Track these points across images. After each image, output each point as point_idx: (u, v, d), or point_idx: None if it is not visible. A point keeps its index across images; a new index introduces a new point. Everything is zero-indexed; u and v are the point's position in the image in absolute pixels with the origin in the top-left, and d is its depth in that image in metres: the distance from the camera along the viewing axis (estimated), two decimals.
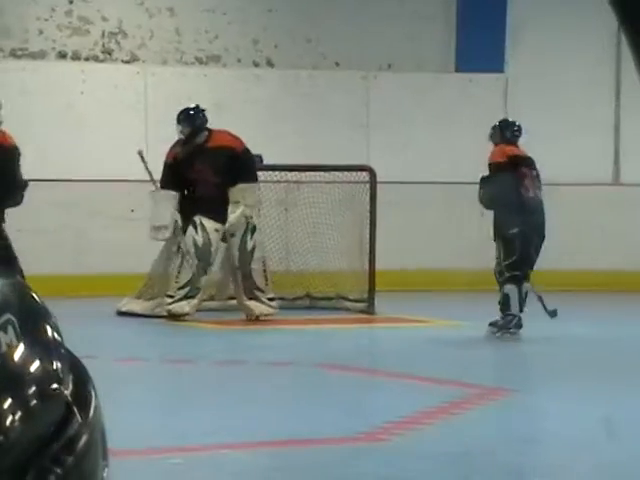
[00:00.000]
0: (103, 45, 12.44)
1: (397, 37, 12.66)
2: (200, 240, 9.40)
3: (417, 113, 12.31)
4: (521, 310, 8.76)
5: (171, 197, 9.55)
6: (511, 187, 8.73)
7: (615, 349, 8.85)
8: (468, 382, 7.38)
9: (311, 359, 8.31)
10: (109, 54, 12.47)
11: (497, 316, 8.89)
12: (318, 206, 10.67)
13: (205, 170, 9.42)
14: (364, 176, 10.54)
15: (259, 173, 10.03)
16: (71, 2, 12.35)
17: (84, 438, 0.97)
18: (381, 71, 12.58)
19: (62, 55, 12.36)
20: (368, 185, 10.44)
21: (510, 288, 8.73)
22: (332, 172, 10.74)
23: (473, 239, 11.28)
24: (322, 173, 10.80)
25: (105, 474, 1.04)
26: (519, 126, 9.23)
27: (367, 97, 12.48)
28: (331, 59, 12.83)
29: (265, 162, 10.48)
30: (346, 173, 10.67)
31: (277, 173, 10.73)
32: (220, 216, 9.42)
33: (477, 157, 12.00)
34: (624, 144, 12.95)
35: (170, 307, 9.49)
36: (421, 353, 8.79)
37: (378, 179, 10.41)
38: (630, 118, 12.77)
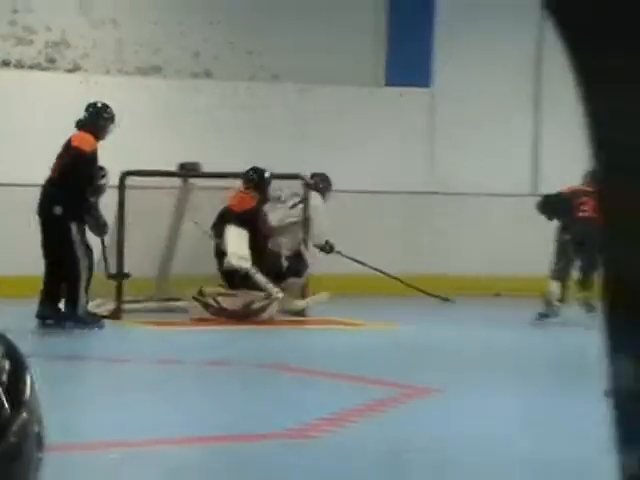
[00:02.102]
0: (47, 54, 12.43)
1: (333, 50, 12.78)
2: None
3: (350, 126, 12.47)
4: None
5: None
6: None
7: (536, 352, 9.09)
8: (398, 382, 7.52)
9: (245, 358, 8.44)
10: (52, 63, 12.46)
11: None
12: None
13: None
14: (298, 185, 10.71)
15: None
16: (15, 12, 12.33)
17: (15, 427, 0.97)
18: (317, 84, 12.69)
19: (6, 64, 12.34)
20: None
21: None
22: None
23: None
24: None
25: (39, 465, 1.05)
26: None
27: (303, 109, 12.61)
28: (269, 71, 12.93)
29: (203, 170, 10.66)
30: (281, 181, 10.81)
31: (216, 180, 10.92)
32: None
33: (404, 168, 12.23)
34: (543, 155, 13.26)
35: None
36: (354, 354, 8.92)
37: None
38: (549, 130, 13.08)
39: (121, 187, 9.81)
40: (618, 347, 1.10)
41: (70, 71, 12.46)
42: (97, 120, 9.34)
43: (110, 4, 12.62)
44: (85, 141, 9.17)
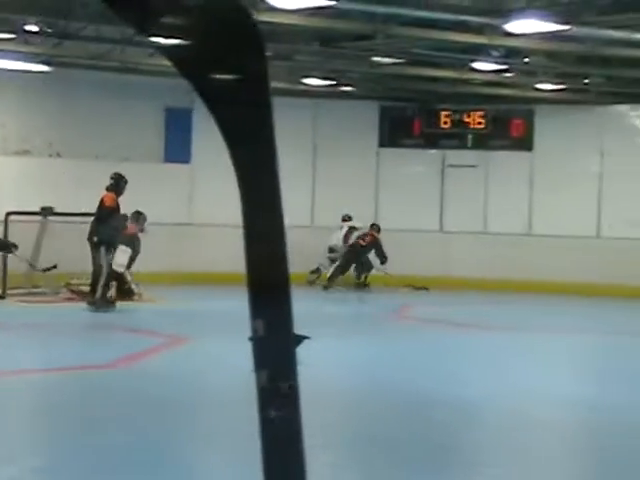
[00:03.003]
0: None
1: (131, 136, 18.21)
2: None
3: (139, 195, 15.65)
4: None
5: None
6: None
7: None
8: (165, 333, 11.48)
9: (66, 322, 12.76)
10: None
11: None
12: None
13: None
14: None
15: None
16: None
17: None
18: (121, 161, 17.29)
19: None
20: None
21: None
22: None
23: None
24: None
25: None
26: None
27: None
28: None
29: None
30: None
31: None
32: None
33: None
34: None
35: None
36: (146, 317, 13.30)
37: None
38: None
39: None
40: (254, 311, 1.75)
41: None
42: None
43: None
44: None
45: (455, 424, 7.45)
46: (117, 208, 14.11)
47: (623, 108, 19.05)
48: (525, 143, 19.53)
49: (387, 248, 18.61)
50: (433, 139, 19.90)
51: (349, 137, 19.73)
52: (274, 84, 18.62)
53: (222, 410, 7.63)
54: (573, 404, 8.34)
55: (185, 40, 1.77)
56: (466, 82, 17.94)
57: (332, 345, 10.77)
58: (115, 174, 14.29)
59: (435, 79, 17.87)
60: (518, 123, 19.60)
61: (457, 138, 19.79)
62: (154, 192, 17.44)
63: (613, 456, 6.64)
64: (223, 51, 1.72)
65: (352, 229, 18.84)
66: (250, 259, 1.86)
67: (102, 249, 13.76)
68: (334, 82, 18.58)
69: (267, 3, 11.85)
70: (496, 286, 18.61)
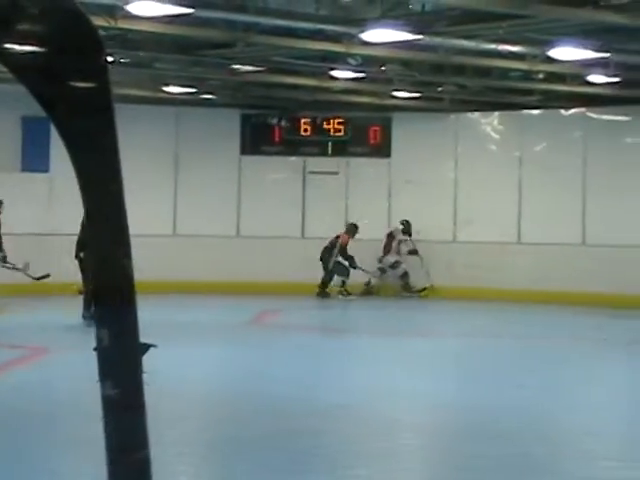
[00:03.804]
0: None
1: None
2: None
3: None
4: None
5: None
6: None
7: None
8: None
9: None
10: None
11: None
12: None
13: None
14: None
15: None
16: None
17: None
18: None
19: None
20: None
21: None
22: None
23: None
24: None
25: None
26: None
27: None
28: None
29: None
30: None
31: None
32: None
33: None
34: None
35: None
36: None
37: None
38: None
39: None
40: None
41: None
42: None
43: None
44: None
45: (315, 428, 7.48)
46: None
47: (475, 115, 19.53)
48: (383, 150, 19.81)
49: (249, 255, 18.59)
50: (294, 146, 20.00)
51: (211, 145, 19.69)
52: (135, 92, 18.44)
53: (77, 420, 7.48)
54: (436, 406, 8.49)
55: (22, 46, 1.73)
56: (326, 90, 18.10)
57: (182, 352, 10.74)
58: None
59: (295, 87, 17.98)
60: (376, 130, 19.87)
61: (317, 145, 19.94)
62: (11, 201, 16.99)
63: (473, 460, 6.75)
64: (61, 57, 1.71)
65: (390, 237, 19.17)
66: (94, 269, 1.84)
67: None
68: (195, 90, 18.51)
69: (125, 10, 11.71)
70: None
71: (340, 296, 18.67)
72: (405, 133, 19.63)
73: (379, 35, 12.85)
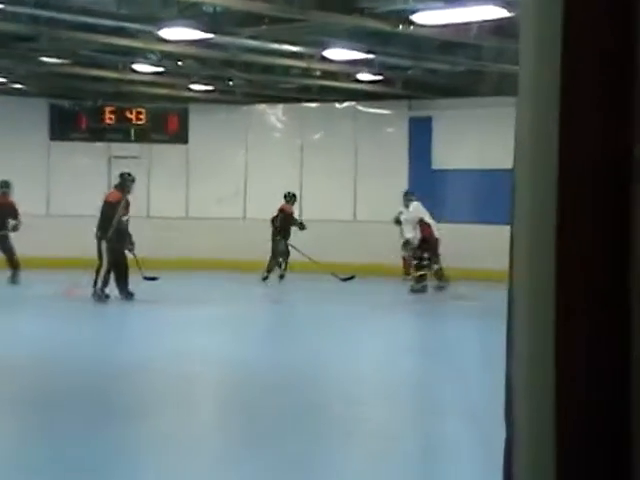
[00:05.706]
0: None
1: None
2: None
3: None
4: None
5: None
6: None
7: None
8: None
9: None
10: None
11: None
12: None
13: None
14: None
15: None
16: None
17: None
18: None
19: None
20: None
21: None
22: None
23: None
24: None
25: None
26: None
27: None
28: None
29: None
30: None
31: None
32: None
33: None
34: None
35: None
36: None
37: None
38: None
39: None
40: None
41: None
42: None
43: None
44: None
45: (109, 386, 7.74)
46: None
47: (262, 107, 20.24)
48: (181, 137, 20.38)
49: (59, 232, 18.52)
50: (99, 133, 20.36)
51: (21, 132, 19.59)
52: None
53: None
54: (226, 363, 8.94)
55: None
56: (129, 82, 18.24)
57: None
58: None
59: (100, 79, 18.05)
60: (174, 119, 20.37)
61: (121, 132, 20.31)
62: None
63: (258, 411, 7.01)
64: None
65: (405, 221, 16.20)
66: None
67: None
68: (4, 80, 18.28)
69: None
70: (161, 265, 19.06)
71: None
72: (201, 122, 20.34)
73: (175, 33, 13.16)
